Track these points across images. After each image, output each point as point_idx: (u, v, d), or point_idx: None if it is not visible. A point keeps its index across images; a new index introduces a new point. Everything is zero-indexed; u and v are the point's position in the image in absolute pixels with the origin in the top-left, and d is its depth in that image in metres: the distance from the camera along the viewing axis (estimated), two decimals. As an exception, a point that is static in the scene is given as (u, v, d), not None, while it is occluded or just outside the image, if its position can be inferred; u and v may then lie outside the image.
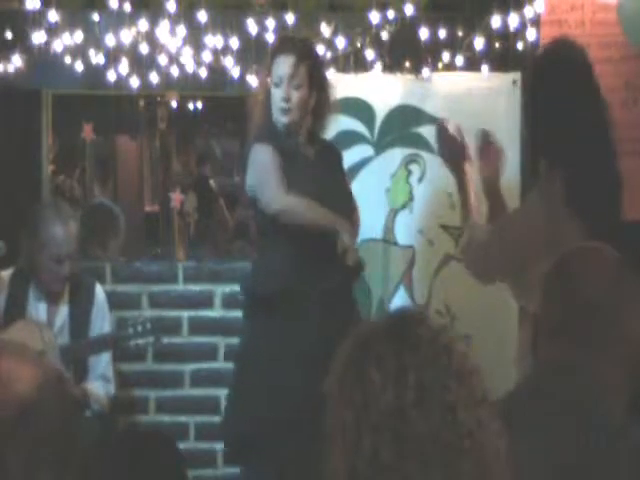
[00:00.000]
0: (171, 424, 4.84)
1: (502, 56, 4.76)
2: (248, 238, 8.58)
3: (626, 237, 2.81)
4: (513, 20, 4.61)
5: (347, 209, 3.92)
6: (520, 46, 4.69)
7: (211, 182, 10.62)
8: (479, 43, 4.66)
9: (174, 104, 8.87)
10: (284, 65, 3.80)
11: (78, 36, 4.73)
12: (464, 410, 1.40)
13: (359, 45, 4.74)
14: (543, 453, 1.92)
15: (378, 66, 4.76)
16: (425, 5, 4.78)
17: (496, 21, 4.59)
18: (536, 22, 4.66)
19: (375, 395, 1.41)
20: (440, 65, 4.78)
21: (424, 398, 1.39)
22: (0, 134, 4.98)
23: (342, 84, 4.50)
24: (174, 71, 4.83)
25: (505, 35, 4.67)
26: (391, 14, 4.67)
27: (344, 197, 3.95)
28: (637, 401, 2.12)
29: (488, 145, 3.54)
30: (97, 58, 4.79)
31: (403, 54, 4.76)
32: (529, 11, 4.63)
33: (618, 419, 2.01)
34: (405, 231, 4.73)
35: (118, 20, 4.69)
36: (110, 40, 4.71)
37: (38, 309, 4.28)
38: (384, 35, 4.68)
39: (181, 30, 4.68)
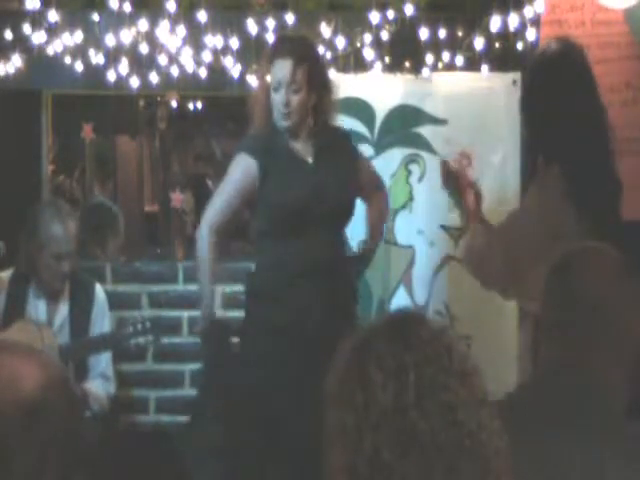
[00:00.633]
0: (171, 424, 4.84)
1: (502, 56, 4.76)
2: (248, 238, 8.59)
3: (626, 237, 2.82)
4: (513, 20, 4.61)
5: (345, 209, 3.91)
6: (520, 46, 4.69)
7: (208, 182, 10.61)
8: (479, 43, 4.66)
9: (174, 104, 8.87)
10: (282, 70, 3.80)
11: (78, 36, 4.73)
12: (464, 410, 1.40)
13: (359, 45, 4.74)
14: (543, 453, 1.92)
15: (378, 66, 4.76)
16: (425, 5, 4.78)
17: (496, 21, 4.59)
18: (536, 22, 4.66)
19: (375, 395, 1.41)
20: (440, 65, 4.78)
21: (424, 398, 1.39)
22: (0, 134, 4.98)
23: (342, 84, 4.50)
24: (174, 71, 4.83)
25: (505, 35, 4.67)
26: (391, 14, 4.66)
27: (343, 197, 3.92)
28: (637, 401, 2.12)
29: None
30: (97, 58, 4.78)
31: (403, 54, 4.76)
32: (529, 11, 4.63)
33: (618, 419, 2.01)
34: (405, 231, 4.73)
35: (118, 20, 4.69)
36: (110, 40, 4.70)
37: (38, 308, 4.29)
38: (384, 35, 4.68)
39: (181, 30, 4.68)
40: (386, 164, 4.71)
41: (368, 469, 1.39)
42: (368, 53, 4.73)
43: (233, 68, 4.81)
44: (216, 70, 4.83)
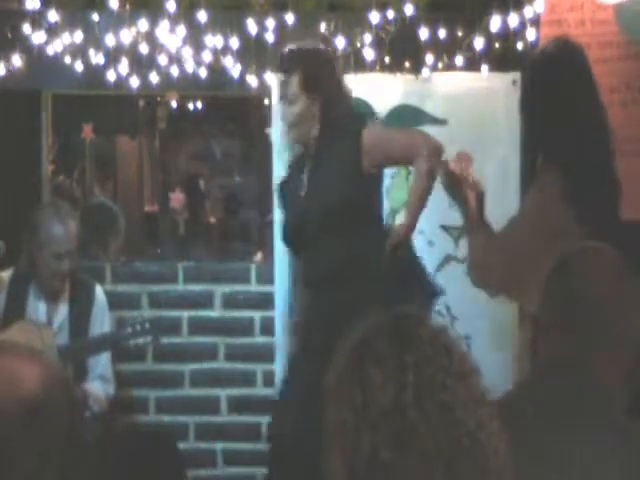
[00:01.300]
0: (171, 424, 4.84)
1: (502, 56, 4.76)
2: (249, 239, 8.59)
3: (626, 237, 2.81)
4: (513, 20, 4.61)
5: (334, 216, 3.70)
6: (520, 46, 4.69)
7: (201, 182, 10.63)
8: (479, 43, 4.66)
9: (174, 104, 8.88)
10: (279, 86, 3.79)
11: (78, 36, 4.72)
12: (464, 410, 1.40)
13: (359, 45, 4.74)
14: (543, 453, 1.92)
15: (378, 66, 4.76)
16: (425, 5, 4.78)
17: (496, 21, 4.59)
18: (536, 22, 4.66)
19: (375, 395, 1.41)
20: (440, 65, 4.78)
21: (424, 398, 1.39)
22: (0, 134, 4.98)
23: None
24: (174, 71, 4.83)
25: (505, 35, 4.67)
26: (391, 14, 4.66)
27: (330, 208, 3.70)
28: (637, 401, 2.12)
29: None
30: (97, 58, 4.78)
31: (403, 54, 4.76)
32: (529, 11, 4.63)
33: (618, 419, 2.01)
34: (405, 231, 4.72)
35: (118, 20, 4.69)
36: (110, 40, 4.71)
37: (37, 308, 4.29)
38: (384, 35, 4.68)
39: (181, 30, 4.68)
40: (386, 164, 4.71)
41: (367, 469, 1.39)
42: (368, 53, 4.73)
43: (233, 68, 4.81)
44: (216, 70, 4.83)
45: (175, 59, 4.81)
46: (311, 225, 3.71)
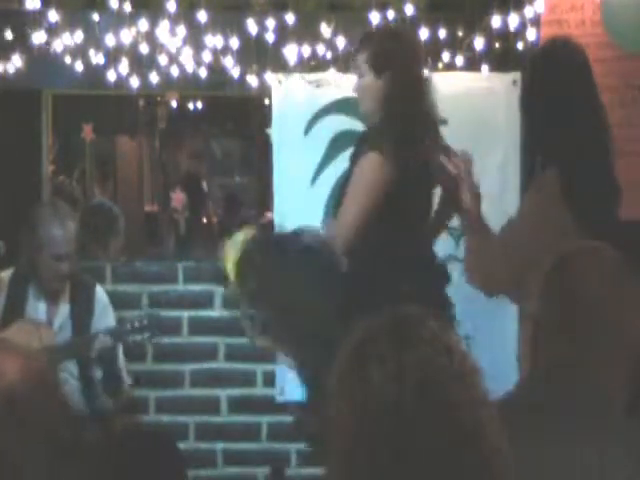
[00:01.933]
0: (171, 424, 4.84)
1: (502, 56, 4.76)
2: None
3: (626, 237, 2.81)
4: (513, 20, 4.61)
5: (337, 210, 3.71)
6: (520, 46, 4.69)
7: (203, 183, 10.62)
8: (479, 43, 4.66)
9: (174, 104, 8.89)
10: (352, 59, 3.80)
11: (78, 36, 4.73)
12: (464, 410, 1.40)
13: (359, 45, 4.74)
14: (543, 453, 1.92)
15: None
16: (425, 5, 4.78)
17: (496, 21, 4.59)
18: (536, 22, 4.66)
19: (375, 395, 1.41)
20: (440, 65, 4.78)
21: (424, 398, 1.39)
22: (0, 134, 4.98)
23: (342, 84, 4.50)
24: (174, 71, 4.84)
25: (505, 35, 4.68)
26: (391, 14, 4.67)
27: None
28: (637, 401, 2.12)
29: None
30: (97, 58, 4.79)
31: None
32: (529, 11, 4.63)
33: (618, 419, 2.02)
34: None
35: (118, 20, 4.69)
36: (110, 40, 4.71)
37: (37, 309, 4.29)
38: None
39: (181, 30, 4.69)
40: (386, 164, 4.70)
41: (367, 468, 1.39)
42: (368, 53, 4.72)
43: (233, 68, 4.81)
44: (216, 70, 4.84)
45: (175, 59, 4.81)
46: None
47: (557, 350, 2.10)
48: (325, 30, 4.69)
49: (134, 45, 4.74)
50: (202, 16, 4.61)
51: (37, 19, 4.65)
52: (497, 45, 4.73)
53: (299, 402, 4.24)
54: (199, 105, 9.13)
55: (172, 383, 4.86)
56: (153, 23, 4.70)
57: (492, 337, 4.54)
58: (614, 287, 2.11)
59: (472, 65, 4.77)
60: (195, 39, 4.76)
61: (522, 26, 4.65)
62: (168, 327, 4.75)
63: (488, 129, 4.77)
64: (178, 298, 4.87)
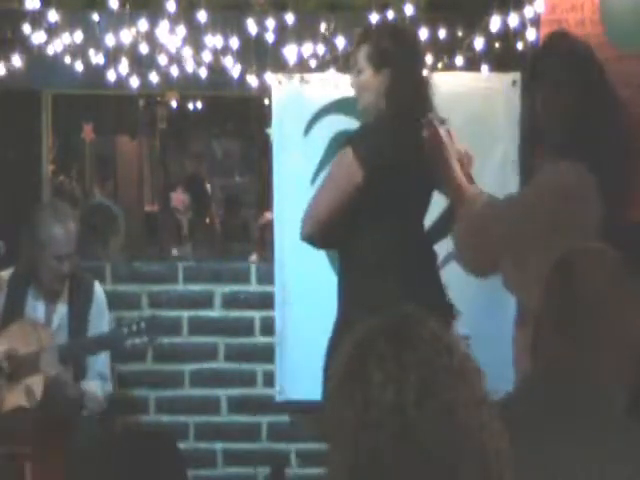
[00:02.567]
0: (171, 424, 4.84)
1: (502, 56, 4.76)
2: (249, 239, 8.60)
3: (626, 237, 2.81)
4: (513, 20, 4.61)
5: None
6: (520, 46, 4.69)
7: (206, 184, 10.62)
8: (479, 43, 4.66)
9: (174, 104, 8.89)
10: (350, 55, 3.79)
11: (78, 36, 4.73)
12: (465, 410, 1.40)
13: (359, 45, 4.73)
14: (543, 453, 1.92)
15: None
16: (425, 5, 4.78)
17: (496, 21, 4.59)
18: (536, 22, 4.66)
19: (375, 395, 1.41)
20: (440, 65, 4.78)
21: (424, 398, 1.39)
22: (0, 134, 4.98)
23: (342, 84, 4.50)
24: (174, 71, 4.83)
25: (505, 35, 4.67)
26: (391, 14, 4.66)
27: None
28: (637, 401, 2.12)
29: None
30: (97, 58, 4.79)
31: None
32: (529, 11, 4.63)
33: (618, 419, 2.02)
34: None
35: (118, 20, 4.69)
36: (110, 40, 4.71)
37: (36, 308, 4.29)
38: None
39: (181, 30, 4.68)
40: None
41: (368, 468, 1.39)
42: (368, 53, 4.72)
43: (233, 68, 4.81)
44: (216, 70, 4.83)
45: (175, 59, 4.81)
46: None
47: (557, 350, 2.10)
48: (325, 30, 4.69)
49: (134, 45, 4.74)
50: (202, 16, 4.61)
51: (37, 19, 4.65)
52: (497, 45, 4.73)
53: (299, 402, 4.25)
54: (199, 105, 9.12)
55: (172, 383, 4.87)
56: (153, 23, 4.70)
57: (492, 337, 4.54)
58: (614, 287, 2.11)
59: (472, 65, 4.76)
60: (195, 39, 4.75)
61: (522, 26, 4.64)
62: (168, 327, 4.75)
63: (488, 129, 4.77)
64: (178, 298, 4.87)
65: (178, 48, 4.78)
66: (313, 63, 4.74)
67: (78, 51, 4.78)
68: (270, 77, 4.79)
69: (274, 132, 4.89)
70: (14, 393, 4.05)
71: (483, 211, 3.27)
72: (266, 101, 5.33)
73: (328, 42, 4.71)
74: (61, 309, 4.32)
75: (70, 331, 4.29)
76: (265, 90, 4.90)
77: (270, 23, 4.68)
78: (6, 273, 4.36)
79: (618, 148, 3.23)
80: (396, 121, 3.62)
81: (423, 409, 1.39)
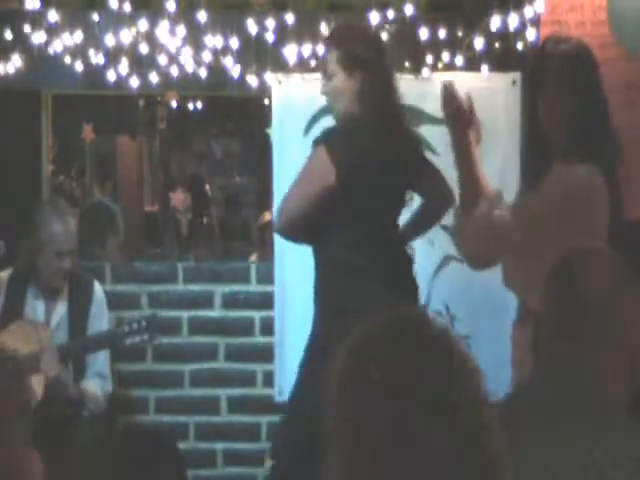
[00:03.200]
0: (171, 424, 4.84)
1: (502, 56, 4.76)
2: (249, 239, 8.60)
3: (627, 237, 2.81)
4: (513, 20, 4.61)
5: None
6: (520, 46, 4.69)
7: (207, 185, 10.62)
8: (479, 43, 4.66)
9: (174, 104, 8.88)
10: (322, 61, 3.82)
11: (78, 36, 4.72)
12: (465, 411, 1.40)
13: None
14: (543, 453, 1.92)
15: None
16: (425, 5, 4.78)
17: (496, 21, 4.59)
18: (536, 22, 4.66)
19: (375, 395, 1.40)
20: (440, 65, 4.78)
21: (425, 399, 1.39)
22: (0, 134, 4.98)
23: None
24: (174, 71, 4.83)
25: (505, 35, 4.67)
26: (391, 14, 4.66)
27: None
28: (637, 401, 2.12)
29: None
30: (97, 58, 4.78)
31: (403, 54, 4.75)
32: (529, 11, 4.63)
33: (618, 419, 2.02)
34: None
35: (118, 20, 4.69)
36: (110, 40, 4.70)
37: (36, 308, 4.29)
38: (384, 35, 4.68)
39: (181, 30, 4.68)
40: (386, 164, 4.70)
41: (368, 470, 1.39)
42: (368, 53, 4.72)
43: (233, 68, 4.81)
44: (216, 70, 4.83)
45: (175, 59, 4.81)
46: None
47: (557, 350, 2.10)
48: (325, 30, 4.69)
49: (134, 45, 4.74)
50: (202, 16, 4.61)
51: (37, 19, 4.65)
52: (497, 45, 4.73)
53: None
54: (199, 105, 9.12)
55: (172, 383, 4.86)
56: (153, 23, 4.70)
57: (492, 337, 4.54)
58: (615, 288, 2.11)
59: (472, 65, 4.77)
60: (195, 39, 4.75)
61: (522, 26, 4.65)
62: (168, 327, 4.75)
63: (488, 129, 4.76)
64: (178, 298, 4.87)
65: (178, 48, 4.78)
66: (313, 63, 4.74)
67: (78, 51, 4.78)
68: (270, 77, 4.79)
69: (274, 132, 4.89)
70: (14, 393, 4.05)
71: (502, 215, 3.26)
72: (266, 101, 5.33)
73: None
74: (61, 308, 4.32)
75: (70, 330, 4.29)
76: (265, 90, 4.90)
77: (270, 23, 4.68)
78: (5, 274, 4.36)
79: (618, 148, 3.23)
80: (370, 123, 3.64)
81: (423, 410, 1.39)
